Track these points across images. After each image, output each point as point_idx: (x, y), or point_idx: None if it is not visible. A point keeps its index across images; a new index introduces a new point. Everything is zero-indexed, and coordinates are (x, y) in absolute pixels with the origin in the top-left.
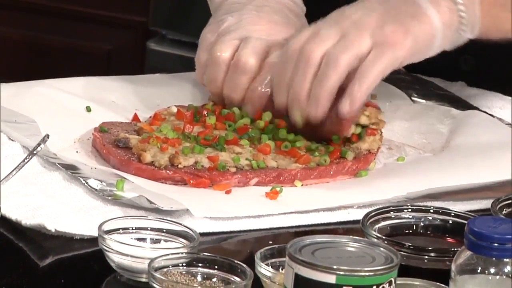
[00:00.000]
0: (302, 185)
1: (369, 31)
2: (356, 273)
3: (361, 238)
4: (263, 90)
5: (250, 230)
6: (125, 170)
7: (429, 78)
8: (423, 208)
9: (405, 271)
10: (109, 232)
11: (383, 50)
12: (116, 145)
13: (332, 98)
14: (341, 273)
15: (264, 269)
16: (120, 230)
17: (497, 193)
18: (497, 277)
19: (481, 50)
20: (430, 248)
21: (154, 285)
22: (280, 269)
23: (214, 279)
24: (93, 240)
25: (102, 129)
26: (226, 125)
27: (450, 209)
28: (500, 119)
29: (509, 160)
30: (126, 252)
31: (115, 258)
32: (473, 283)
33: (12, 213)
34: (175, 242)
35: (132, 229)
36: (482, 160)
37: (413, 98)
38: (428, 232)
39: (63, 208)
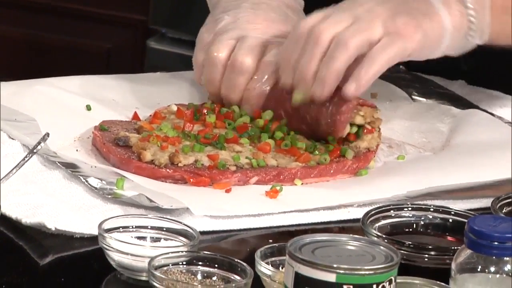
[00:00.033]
0: (302, 183)
1: (381, 20)
2: (356, 272)
3: (361, 236)
4: (260, 89)
5: (250, 229)
6: (125, 169)
7: (429, 77)
8: (423, 206)
9: (405, 269)
10: (109, 230)
11: (394, 39)
12: (116, 144)
13: (338, 81)
14: (341, 271)
15: (264, 268)
16: (120, 228)
17: (497, 191)
18: (497, 275)
19: (481, 49)
20: (430, 247)
21: (154, 283)
22: (280, 268)
23: (214, 278)
24: (93, 239)
25: (102, 127)
26: (226, 124)
27: (450, 207)
28: (500, 118)
29: (509, 158)
30: (126, 250)
31: (115, 257)
32: (473, 282)
33: (12, 212)
34: (175, 240)
35: (132, 227)
36: (482, 158)
37: (413, 97)
38: (428, 231)
39: (63, 206)
